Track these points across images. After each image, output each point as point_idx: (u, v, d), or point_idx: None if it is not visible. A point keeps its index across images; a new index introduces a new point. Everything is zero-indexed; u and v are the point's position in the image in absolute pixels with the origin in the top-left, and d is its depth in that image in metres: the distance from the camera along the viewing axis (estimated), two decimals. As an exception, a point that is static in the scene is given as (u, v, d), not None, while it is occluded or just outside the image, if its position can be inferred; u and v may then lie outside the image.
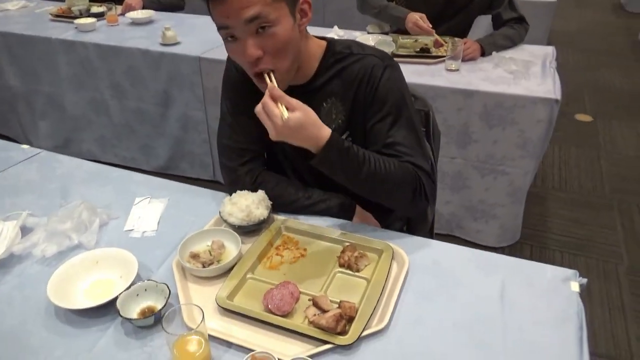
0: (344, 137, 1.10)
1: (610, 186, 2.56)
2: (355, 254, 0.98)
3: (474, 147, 1.95)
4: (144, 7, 2.80)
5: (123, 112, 2.56)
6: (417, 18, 2.12)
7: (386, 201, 1.08)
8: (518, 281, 0.93)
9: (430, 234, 1.44)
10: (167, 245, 1.06)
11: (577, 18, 5.30)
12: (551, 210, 2.39)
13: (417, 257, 0.99)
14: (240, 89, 1.15)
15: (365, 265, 0.97)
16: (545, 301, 0.89)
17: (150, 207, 1.18)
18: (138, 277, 0.93)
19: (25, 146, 1.47)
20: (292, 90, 1.08)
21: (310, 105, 1.08)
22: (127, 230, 1.11)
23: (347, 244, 1.01)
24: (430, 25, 2.13)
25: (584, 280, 0.92)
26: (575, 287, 0.91)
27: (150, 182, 1.30)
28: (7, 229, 1.07)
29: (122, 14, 2.74)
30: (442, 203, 2.09)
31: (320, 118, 1.08)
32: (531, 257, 2.08)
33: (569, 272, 0.94)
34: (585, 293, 0.92)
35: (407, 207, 1.11)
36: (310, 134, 0.93)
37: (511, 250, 2.10)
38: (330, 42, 1.10)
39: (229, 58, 1.19)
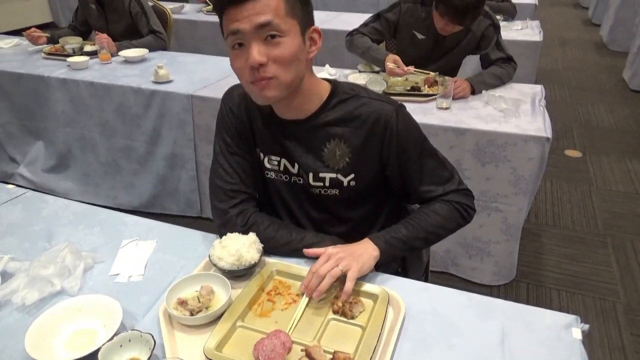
0: (348, 179, 1.11)
1: (603, 222, 2.56)
2: (350, 299, 0.94)
3: (467, 184, 1.93)
4: (118, 51, 2.72)
5: (110, 150, 2.54)
6: (392, 66, 2.13)
7: (444, 235, 1.16)
8: (518, 327, 0.90)
9: (425, 273, 1.41)
10: (154, 291, 1.02)
11: (562, 56, 5.44)
12: (546, 247, 2.37)
13: (413, 302, 0.96)
14: (235, 130, 1.14)
15: (360, 312, 0.94)
16: (547, 349, 0.85)
17: (138, 250, 1.15)
18: (122, 326, 0.89)
19: (10, 186, 1.43)
20: (294, 125, 1.08)
21: (311, 142, 1.09)
22: (113, 275, 1.07)
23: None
24: (405, 68, 2.13)
25: (586, 327, 0.90)
26: (577, 334, 0.88)
27: (139, 223, 1.26)
28: (-14, 275, 1.03)
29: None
30: (436, 241, 2.06)
31: (323, 157, 1.09)
32: (528, 296, 2.05)
33: (570, 317, 0.91)
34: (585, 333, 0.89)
35: (460, 228, 1.18)
36: (362, 248, 1.03)
37: (507, 288, 2.07)
38: (334, 83, 1.11)
39: (223, 98, 1.18)
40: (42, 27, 2.92)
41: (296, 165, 1.13)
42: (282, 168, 1.15)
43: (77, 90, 2.44)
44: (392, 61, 2.15)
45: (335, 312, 0.94)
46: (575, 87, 4.54)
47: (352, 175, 1.11)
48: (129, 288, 1.03)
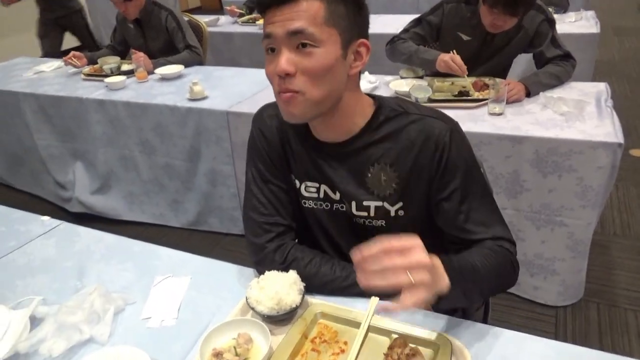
0: (396, 208, 0.98)
1: (680, 230, 2.30)
2: (407, 350, 0.81)
3: (526, 197, 1.77)
4: (154, 68, 2.68)
5: (152, 168, 2.52)
6: (448, 58, 1.99)
7: (495, 292, 1.06)
8: (612, 386, 0.75)
9: (486, 307, 1.26)
10: (188, 338, 0.93)
11: (618, 47, 5.08)
12: (616, 260, 2.15)
13: (480, 353, 0.82)
14: (267, 155, 1.04)
15: (419, 366, 0.81)
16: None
17: (171, 289, 1.06)
18: (153, 383, 0.81)
19: (45, 218, 1.39)
20: (333, 147, 0.97)
21: (353, 166, 0.97)
22: (145, 319, 0.99)
23: (396, 336, 0.85)
24: (464, 64, 1.97)
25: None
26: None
27: (172, 257, 1.18)
28: (15, 321, 0.97)
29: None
30: (493, 258, 1.90)
31: (367, 183, 0.98)
32: (599, 319, 1.84)
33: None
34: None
35: (507, 288, 1.01)
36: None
37: (575, 310, 1.87)
38: (379, 99, 0.99)
39: (253, 120, 1.09)
40: (82, 48, 2.95)
41: (337, 192, 1.01)
42: (322, 195, 1.04)
43: (115, 111, 2.43)
44: (449, 57, 1.98)
45: (390, 366, 0.81)
46: (636, 79, 4.20)
47: (400, 204, 0.98)
48: (160, 335, 0.95)
